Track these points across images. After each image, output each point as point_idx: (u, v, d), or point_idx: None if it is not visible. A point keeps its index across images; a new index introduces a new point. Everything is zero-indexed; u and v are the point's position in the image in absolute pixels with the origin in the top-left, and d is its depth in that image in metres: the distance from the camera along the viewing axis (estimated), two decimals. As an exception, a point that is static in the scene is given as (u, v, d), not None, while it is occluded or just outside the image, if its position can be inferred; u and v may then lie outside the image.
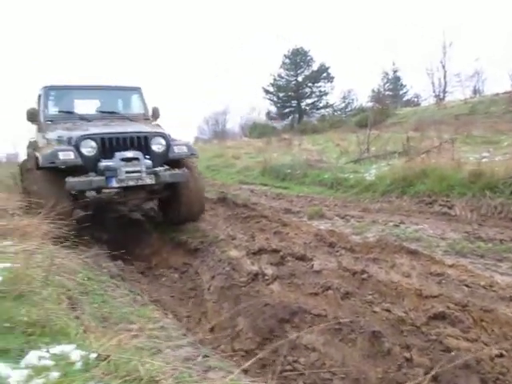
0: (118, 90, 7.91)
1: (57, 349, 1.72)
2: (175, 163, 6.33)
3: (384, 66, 52.69)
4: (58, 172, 5.53)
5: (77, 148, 5.56)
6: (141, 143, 5.94)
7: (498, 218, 6.06)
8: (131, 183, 5.70)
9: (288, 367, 3.05)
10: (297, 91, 48.44)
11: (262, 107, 51.78)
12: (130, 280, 4.90)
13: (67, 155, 5.45)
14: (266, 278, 4.43)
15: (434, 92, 41.58)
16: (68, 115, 6.98)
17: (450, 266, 4.24)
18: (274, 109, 50.02)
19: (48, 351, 1.68)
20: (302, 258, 4.76)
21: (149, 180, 5.78)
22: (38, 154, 5.80)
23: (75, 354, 1.65)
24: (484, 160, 8.36)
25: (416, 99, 48.13)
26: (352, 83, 52.50)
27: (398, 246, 4.99)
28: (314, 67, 48.40)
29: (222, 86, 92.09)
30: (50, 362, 1.58)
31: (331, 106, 49.66)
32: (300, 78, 48.63)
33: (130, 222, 7.35)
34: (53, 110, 7.07)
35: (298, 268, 4.54)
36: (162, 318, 3.66)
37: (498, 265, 4.44)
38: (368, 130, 14.27)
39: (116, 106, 7.80)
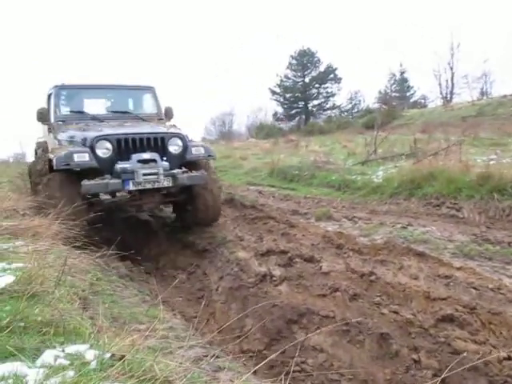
0: (131, 90, 7.70)
1: (71, 348, 1.75)
2: (192, 165, 6.13)
3: (388, 66, 52.78)
4: (71, 174, 5.41)
5: (92, 149, 5.41)
6: (157, 144, 5.77)
7: (506, 220, 6.05)
8: (148, 186, 5.53)
9: (296, 368, 3.08)
10: (304, 92, 48.49)
11: (268, 108, 51.89)
12: (138, 280, 4.94)
13: (82, 157, 5.30)
14: (274, 279, 4.45)
15: (441, 93, 41.61)
16: (80, 115, 6.79)
17: (458, 269, 4.25)
18: (280, 110, 50.11)
19: (63, 351, 1.71)
20: (310, 260, 4.78)
21: (166, 183, 5.62)
22: (51, 156, 5.65)
23: (90, 354, 1.68)
24: (492, 162, 8.33)
25: (423, 101, 48.15)
26: (358, 84, 52.86)
27: (405, 248, 5.00)
28: (321, 68, 48.42)
29: (222, 86, 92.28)
30: (65, 362, 1.61)
31: (338, 107, 49.74)
32: (307, 79, 48.69)
33: (137, 223, 7.38)
34: (64, 110, 6.88)
35: (306, 269, 4.56)
36: (171, 318, 3.69)
37: (507, 267, 4.43)
38: (375, 132, 14.26)
39: (129, 105, 7.62)
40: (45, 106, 7.11)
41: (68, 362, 1.62)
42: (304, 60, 48.52)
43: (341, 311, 3.63)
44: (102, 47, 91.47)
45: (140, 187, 5.50)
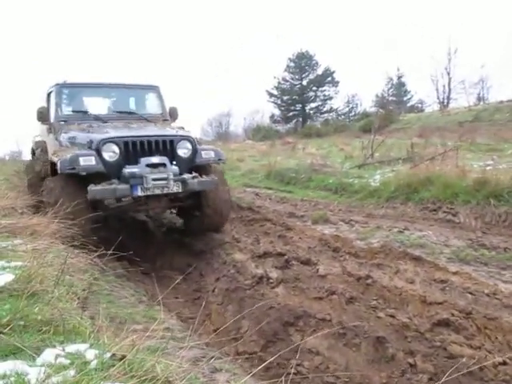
0: (135, 89, 7.41)
1: (71, 347, 1.75)
2: (201, 169, 5.90)
3: (386, 68, 53.07)
4: (75, 178, 5.17)
5: (98, 152, 5.16)
6: (166, 147, 5.52)
7: (502, 226, 6.09)
8: (157, 191, 5.28)
9: (292, 370, 3.08)
10: (301, 95, 48.57)
11: (265, 110, 51.97)
12: (135, 280, 4.94)
13: (88, 160, 5.05)
14: (271, 281, 4.46)
15: (438, 98, 41.81)
16: (82, 115, 6.53)
17: (454, 273, 4.28)
18: (277, 112, 50.18)
19: (63, 350, 1.71)
20: (306, 263, 4.79)
21: (175, 188, 5.36)
22: (55, 159, 5.38)
23: (90, 353, 1.68)
24: (488, 168, 8.38)
25: (420, 105, 48.35)
26: (356, 87, 52.95)
27: (402, 252, 5.03)
28: (319, 71, 48.54)
29: (222, 86, 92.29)
30: (66, 361, 1.62)
31: (335, 110, 49.87)
32: (305, 82, 48.77)
33: (134, 223, 7.37)
34: (66, 109, 6.57)
35: (303, 272, 4.58)
36: (168, 319, 3.69)
37: (502, 273, 4.46)
38: (372, 136, 14.31)
39: (132, 105, 7.37)
40: (44, 104, 6.88)
41: (68, 361, 1.62)
42: (302, 63, 48.62)
43: (337, 314, 3.64)
44: (102, 47, 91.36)
45: (149, 193, 5.26)
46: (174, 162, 5.48)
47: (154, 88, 7.42)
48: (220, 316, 4.23)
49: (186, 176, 5.46)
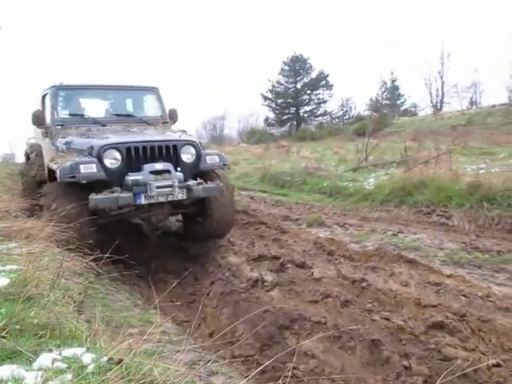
0: (134, 90, 7.19)
1: (68, 351, 1.75)
2: (205, 174, 5.71)
3: (384, 69, 53.17)
4: (76, 186, 4.94)
5: (99, 159, 4.94)
6: (169, 153, 5.30)
7: (495, 229, 6.13)
8: (161, 199, 5.07)
9: (288, 373, 3.09)
10: (295, 98, 48.67)
11: (260, 113, 52.02)
12: (130, 284, 4.93)
13: (89, 168, 4.82)
14: (266, 284, 4.47)
15: (431, 102, 42.02)
16: (80, 119, 6.29)
17: (448, 276, 4.31)
18: (272, 115, 50.24)
19: (60, 354, 1.71)
20: (301, 266, 4.81)
21: (180, 195, 5.16)
22: (53, 166, 5.13)
23: (87, 357, 1.68)
24: (481, 171, 8.44)
25: (413, 109, 48.51)
26: (350, 90, 53.13)
27: (396, 255, 5.06)
28: (313, 75, 48.67)
29: (222, 86, 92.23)
30: (63, 365, 1.62)
31: (329, 113, 50.00)
32: (299, 85, 48.87)
33: (129, 226, 7.34)
34: (62, 112, 6.31)
35: (298, 275, 4.59)
36: (163, 322, 3.69)
37: (495, 275, 4.50)
38: (366, 139, 14.36)
39: (131, 107, 7.13)
40: (39, 107, 6.67)
41: (65, 366, 1.62)
42: (296, 66, 48.73)
43: (332, 317, 3.65)
44: (101, 47, 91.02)
45: (152, 201, 5.04)
46: (179, 168, 5.29)
47: (153, 89, 7.22)
48: (215, 319, 4.23)
49: (191, 182, 5.30)
